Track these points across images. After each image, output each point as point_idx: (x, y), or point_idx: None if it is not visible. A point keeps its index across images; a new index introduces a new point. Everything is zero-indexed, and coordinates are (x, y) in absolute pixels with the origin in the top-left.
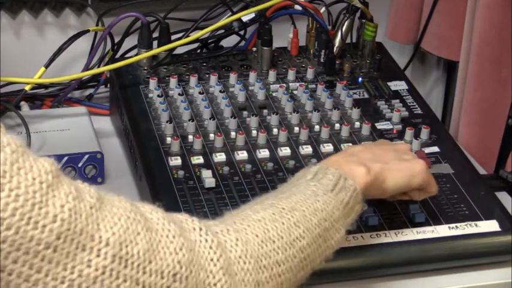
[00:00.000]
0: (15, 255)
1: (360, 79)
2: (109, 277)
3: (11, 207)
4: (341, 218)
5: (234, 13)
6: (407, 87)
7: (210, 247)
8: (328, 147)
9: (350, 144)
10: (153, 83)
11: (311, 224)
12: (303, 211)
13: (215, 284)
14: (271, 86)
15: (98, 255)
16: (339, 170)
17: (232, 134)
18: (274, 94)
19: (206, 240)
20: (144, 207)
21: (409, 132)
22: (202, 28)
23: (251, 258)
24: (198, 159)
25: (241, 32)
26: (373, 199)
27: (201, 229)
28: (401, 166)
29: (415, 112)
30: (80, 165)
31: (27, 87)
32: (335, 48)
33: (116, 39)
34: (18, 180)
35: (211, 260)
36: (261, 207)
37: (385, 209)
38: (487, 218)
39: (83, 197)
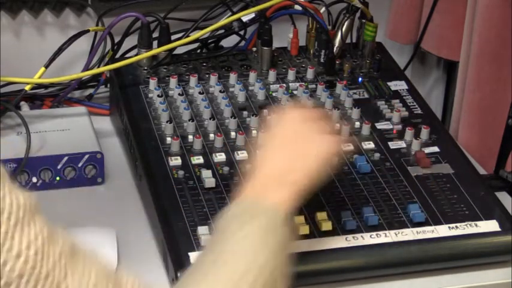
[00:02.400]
0: None
1: (360, 79)
2: None
3: None
4: (280, 254)
5: (234, 13)
6: (407, 87)
7: None
8: None
9: (350, 144)
10: (153, 83)
11: (261, 279)
12: (250, 268)
13: None
14: (271, 86)
15: None
16: (261, 205)
17: (232, 134)
18: (274, 94)
19: None
20: (122, 276)
21: (409, 132)
22: (202, 28)
23: None
24: (198, 159)
25: (241, 32)
26: (373, 199)
27: None
28: (317, 162)
29: (415, 112)
30: (80, 165)
31: (27, 87)
32: (335, 48)
33: (116, 39)
34: None
35: None
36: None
37: (385, 209)
38: (487, 218)
39: (54, 240)
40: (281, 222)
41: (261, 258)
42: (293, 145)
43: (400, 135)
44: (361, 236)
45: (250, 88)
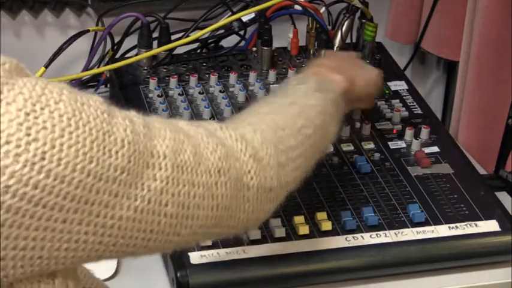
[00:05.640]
0: (97, 186)
1: None
2: (172, 185)
3: (88, 140)
4: (332, 113)
5: (234, 13)
6: (407, 87)
7: (236, 139)
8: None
9: (350, 144)
10: (153, 83)
11: (310, 115)
12: (300, 105)
13: (249, 171)
14: (271, 86)
15: (160, 168)
16: (320, 76)
17: None
18: None
19: (231, 135)
20: (169, 120)
21: (409, 132)
22: (202, 28)
23: (271, 143)
24: None
25: (241, 32)
26: (373, 199)
27: (221, 128)
28: (367, 75)
29: (415, 112)
30: None
31: None
32: (335, 48)
33: (116, 39)
34: (86, 115)
35: (241, 150)
36: (261, 106)
37: (385, 209)
38: (487, 218)
39: (133, 119)
40: (339, 98)
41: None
42: (347, 60)
43: (400, 135)
44: (361, 236)
45: (250, 88)
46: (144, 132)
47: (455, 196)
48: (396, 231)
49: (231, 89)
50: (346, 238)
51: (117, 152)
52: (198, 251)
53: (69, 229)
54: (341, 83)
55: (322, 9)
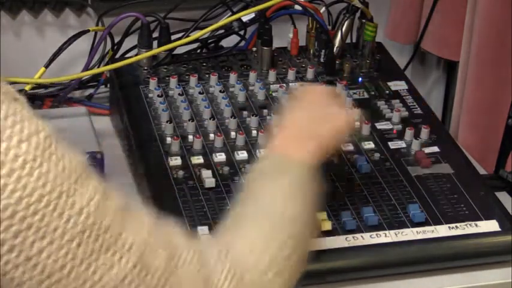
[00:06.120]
0: (40, 245)
1: (360, 79)
2: (128, 285)
3: (38, 193)
4: (310, 205)
5: (234, 13)
6: (407, 87)
7: (225, 278)
8: None
9: (350, 144)
10: (153, 83)
11: (292, 231)
12: (283, 220)
13: None
14: (271, 86)
15: (120, 260)
16: (287, 158)
17: (232, 134)
18: (274, 94)
19: (222, 271)
20: (168, 226)
21: (409, 132)
22: (202, 28)
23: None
24: (198, 159)
25: (241, 32)
26: (373, 199)
27: (219, 256)
28: (334, 128)
29: (415, 112)
30: None
31: (27, 87)
32: (335, 48)
33: (116, 39)
34: (48, 166)
35: None
36: (251, 219)
37: (385, 209)
38: (487, 218)
39: (111, 197)
40: (308, 177)
41: (290, 211)
42: (316, 109)
43: (400, 135)
44: (361, 236)
45: (250, 88)
46: (115, 213)
47: (455, 196)
48: (396, 231)
49: (231, 89)
50: (346, 238)
51: (69, 217)
52: None
53: None
54: (309, 159)
55: (322, 9)
